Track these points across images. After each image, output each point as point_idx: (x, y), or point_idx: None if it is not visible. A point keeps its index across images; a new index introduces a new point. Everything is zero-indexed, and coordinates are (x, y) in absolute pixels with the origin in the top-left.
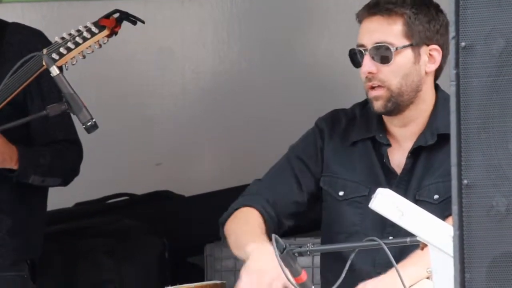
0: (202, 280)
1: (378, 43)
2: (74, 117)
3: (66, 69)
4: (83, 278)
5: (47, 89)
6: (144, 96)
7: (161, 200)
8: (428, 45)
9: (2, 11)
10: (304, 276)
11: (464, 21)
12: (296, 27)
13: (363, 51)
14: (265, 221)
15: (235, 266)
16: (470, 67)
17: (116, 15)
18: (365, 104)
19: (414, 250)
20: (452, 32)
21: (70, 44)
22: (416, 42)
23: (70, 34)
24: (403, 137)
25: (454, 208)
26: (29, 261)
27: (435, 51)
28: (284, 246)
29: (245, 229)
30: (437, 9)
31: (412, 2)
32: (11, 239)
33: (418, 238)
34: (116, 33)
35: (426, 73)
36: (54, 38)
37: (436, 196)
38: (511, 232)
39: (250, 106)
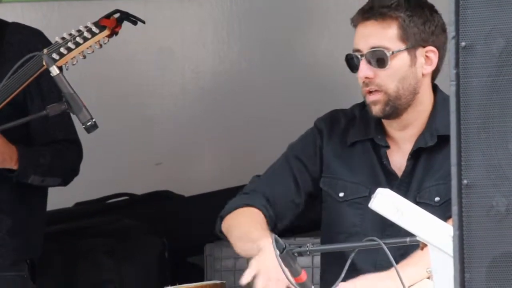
0: (202, 280)
1: (373, 47)
2: (74, 117)
3: (67, 69)
4: (83, 278)
5: (47, 89)
6: (144, 96)
7: (161, 200)
8: (424, 47)
9: (2, 11)
10: (304, 276)
11: (464, 21)
12: (296, 27)
13: (359, 56)
14: (267, 221)
15: (235, 266)
16: (470, 67)
17: (117, 15)
18: (365, 105)
19: (415, 251)
20: (452, 32)
21: (70, 44)
22: (412, 44)
23: (70, 34)
24: (402, 139)
25: (454, 208)
26: (29, 261)
27: (431, 52)
28: (284, 246)
29: (252, 225)
30: (432, 9)
31: (406, 5)
32: (11, 239)
33: (418, 238)
34: (116, 33)
35: (423, 75)
36: (54, 38)
37: (437, 198)
38: (511, 232)
39: (250, 106)
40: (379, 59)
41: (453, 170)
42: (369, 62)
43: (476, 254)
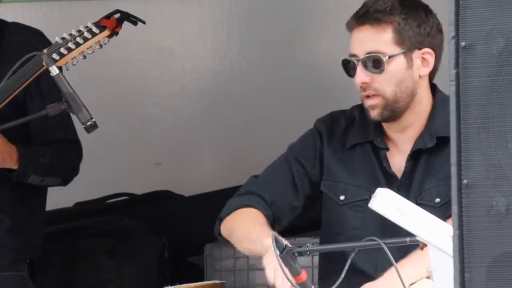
0: (202, 280)
1: (369, 53)
2: (73, 117)
3: (67, 69)
4: (83, 278)
5: (47, 88)
6: (144, 96)
7: (161, 200)
8: (420, 49)
9: (2, 11)
10: (304, 275)
11: (464, 21)
12: (296, 27)
13: (355, 61)
14: (267, 221)
15: (235, 266)
16: (470, 67)
17: (117, 15)
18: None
19: (415, 251)
20: (452, 32)
21: (70, 44)
22: (408, 47)
23: (70, 34)
24: (401, 141)
25: (454, 208)
26: (28, 261)
27: (428, 54)
28: (284, 245)
29: (253, 224)
30: (426, 10)
31: (400, 8)
32: (11, 238)
33: (417, 238)
34: (116, 34)
35: (420, 76)
36: (54, 38)
37: (437, 200)
38: (511, 232)
39: (250, 106)
40: (376, 64)
41: (453, 170)
42: (365, 67)
43: (476, 254)
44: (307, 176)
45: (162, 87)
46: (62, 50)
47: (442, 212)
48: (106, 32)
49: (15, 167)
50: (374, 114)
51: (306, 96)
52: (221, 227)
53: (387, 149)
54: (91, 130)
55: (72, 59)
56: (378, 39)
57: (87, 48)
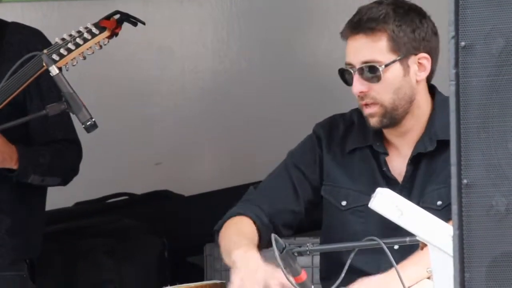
0: (202, 280)
1: (365, 62)
2: (73, 117)
3: (67, 70)
4: (83, 278)
5: (46, 88)
6: (143, 96)
7: (161, 199)
8: (416, 54)
9: (2, 10)
10: (303, 275)
11: (464, 20)
12: (296, 27)
13: (351, 71)
14: (258, 229)
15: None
16: (469, 67)
17: (117, 16)
18: None
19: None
20: (451, 32)
21: (70, 45)
22: (404, 54)
23: (70, 35)
24: (401, 145)
25: (454, 207)
26: (28, 261)
27: (424, 59)
28: (284, 245)
29: (234, 237)
30: (420, 14)
31: (394, 15)
32: (11, 238)
33: (417, 238)
34: (116, 35)
35: (417, 81)
36: (54, 38)
37: (439, 202)
38: (511, 231)
39: (250, 106)
40: (372, 73)
41: (453, 169)
42: (362, 76)
43: (476, 254)
44: (308, 182)
45: (162, 87)
46: (62, 51)
47: (444, 215)
48: (106, 33)
49: (15, 167)
50: (373, 122)
51: (306, 96)
52: (218, 238)
53: (386, 153)
54: (91, 130)
55: (72, 60)
56: (373, 48)
57: (87, 49)
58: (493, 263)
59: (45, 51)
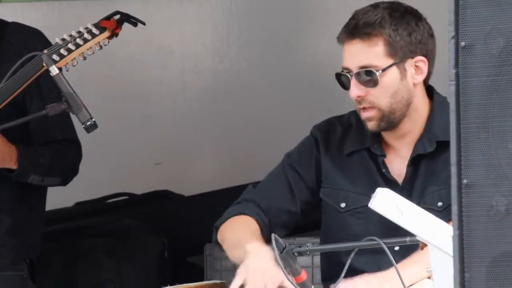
0: (202, 280)
1: (362, 67)
2: (73, 117)
3: (67, 70)
4: (83, 278)
5: (46, 88)
6: (143, 96)
7: (161, 200)
8: (412, 57)
9: (2, 10)
10: (304, 275)
11: (464, 20)
12: (296, 27)
13: (348, 75)
14: (260, 228)
15: (235, 266)
16: (469, 67)
17: (117, 16)
18: None
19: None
20: (451, 32)
21: (70, 46)
22: (400, 58)
23: (70, 35)
24: (400, 147)
25: (454, 208)
26: (28, 261)
27: (421, 62)
28: (284, 245)
29: (244, 231)
30: (416, 17)
31: (390, 19)
32: (10, 238)
33: (417, 238)
34: (116, 35)
35: (414, 84)
36: (54, 38)
37: (440, 203)
38: (511, 232)
39: (250, 106)
40: (369, 78)
41: (453, 169)
42: (359, 81)
43: (476, 254)
44: (303, 182)
45: (162, 86)
46: (62, 51)
47: (445, 216)
48: (106, 34)
49: (14, 167)
50: (371, 125)
51: (306, 96)
52: (218, 235)
53: (384, 155)
54: (91, 130)
55: (72, 60)
56: (369, 53)
57: (87, 49)
58: (493, 263)
59: (45, 51)
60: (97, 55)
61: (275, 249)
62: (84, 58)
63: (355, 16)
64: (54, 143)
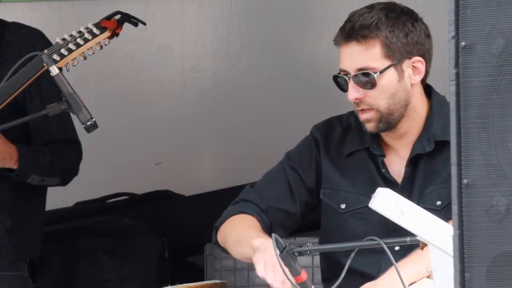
0: (202, 280)
1: (359, 69)
2: (73, 117)
3: (67, 70)
4: (83, 277)
5: (47, 88)
6: (143, 95)
7: (161, 199)
8: (410, 58)
9: (2, 10)
10: (304, 275)
11: (464, 20)
12: (296, 27)
13: (346, 78)
14: (261, 227)
15: (235, 265)
16: (470, 67)
17: (118, 16)
18: None
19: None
20: (452, 32)
21: (71, 45)
22: (398, 59)
23: (71, 35)
24: (399, 147)
25: (454, 207)
26: (28, 261)
27: (418, 62)
28: (284, 245)
29: (247, 228)
30: (412, 17)
31: (386, 20)
32: (10, 238)
33: (418, 238)
34: (117, 35)
35: (412, 85)
36: (54, 38)
37: (438, 202)
38: (511, 232)
39: (250, 106)
40: (367, 80)
41: (453, 169)
42: (357, 83)
43: (476, 254)
44: (304, 183)
45: (161, 86)
46: (63, 51)
47: (444, 215)
48: (107, 33)
49: (15, 166)
50: (369, 127)
51: (306, 96)
52: (218, 235)
53: (384, 155)
54: (91, 130)
55: (72, 60)
56: (366, 55)
57: (88, 49)
58: (493, 263)
59: (45, 51)
60: (98, 55)
61: (276, 249)
62: (85, 58)
63: (351, 18)
64: (54, 143)
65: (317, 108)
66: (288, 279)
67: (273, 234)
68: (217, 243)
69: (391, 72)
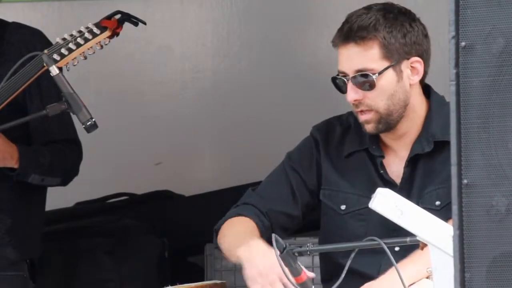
0: (202, 280)
1: (358, 71)
2: (73, 117)
3: (68, 70)
4: (83, 277)
5: (47, 88)
6: (143, 95)
7: (161, 200)
8: (408, 59)
9: (2, 11)
10: (304, 275)
11: (464, 20)
12: (296, 27)
13: (345, 79)
14: (259, 229)
15: (235, 265)
16: (470, 67)
17: (118, 16)
18: None
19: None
20: (452, 32)
21: (71, 45)
22: (396, 60)
23: (71, 35)
24: (398, 147)
25: (454, 207)
26: (28, 261)
27: (417, 62)
28: (284, 245)
29: (244, 230)
30: (410, 18)
31: (384, 21)
32: (11, 238)
33: (418, 238)
34: (117, 34)
35: (410, 85)
36: (54, 38)
37: (437, 202)
38: (511, 232)
39: (250, 106)
40: (366, 82)
41: (453, 169)
42: (355, 85)
43: (476, 254)
44: (305, 184)
45: (161, 86)
46: (63, 50)
47: (443, 215)
48: (107, 33)
49: (16, 166)
50: (369, 128)
51: (306, 96)
52: (217, 238)
53: (382, 156)
54: (91, 130)
55: (72, 59)
56: (365, 56)
57: (88, 49)
58: (493, 263)
59: (45, 51)
60: (98, 55)
61: (276, 249)
62: (85, 58)
63: (349, 19)
64: (54, 143)
65: (317, 108)
66: (288, 279)
67: (273, 234)
68: (219, 245)
69: (390, 73)
